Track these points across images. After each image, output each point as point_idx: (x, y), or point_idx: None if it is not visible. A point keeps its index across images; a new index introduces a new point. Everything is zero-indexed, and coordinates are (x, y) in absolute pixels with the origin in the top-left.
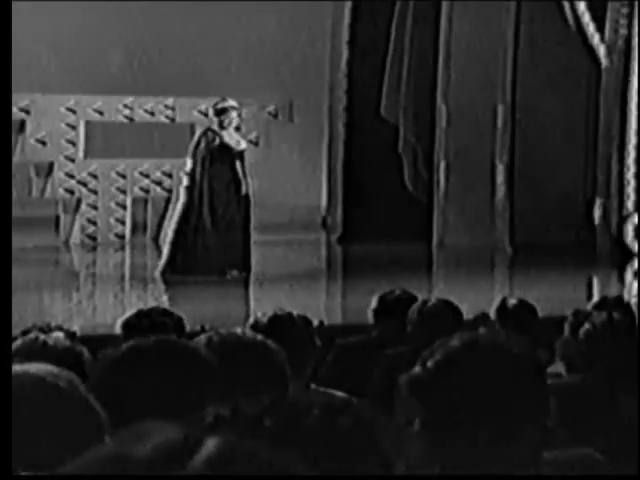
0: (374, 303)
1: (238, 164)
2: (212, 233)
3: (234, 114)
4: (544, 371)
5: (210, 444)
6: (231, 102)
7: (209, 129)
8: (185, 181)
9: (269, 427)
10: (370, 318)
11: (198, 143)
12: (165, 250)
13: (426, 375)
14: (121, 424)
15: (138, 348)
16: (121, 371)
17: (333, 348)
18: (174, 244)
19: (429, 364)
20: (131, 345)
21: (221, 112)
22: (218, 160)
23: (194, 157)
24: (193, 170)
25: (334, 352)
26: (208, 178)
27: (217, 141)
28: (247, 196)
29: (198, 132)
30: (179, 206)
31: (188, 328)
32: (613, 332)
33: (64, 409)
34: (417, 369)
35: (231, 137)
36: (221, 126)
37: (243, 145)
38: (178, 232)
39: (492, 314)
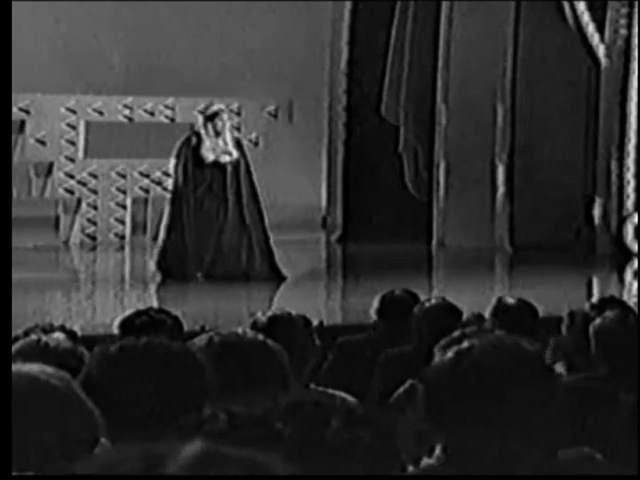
0: (376, 303)
1: (224, 174)
2: (189, 239)
3: (225, 116)
4: (554, 371)
5: (189, 449)
6: (220, 105)
7: (194, 133)
8: (170, 186)
9: (286, 436)
10: (370, 318)
11: (181, 148)
12: (155, 254)
13: (438, 375)
14: (107, 422)
15: (128, 348)
16: (109, 370)
17: (335, 347)
18: (164, 248)
19: (441, 365)
20: (121, 345)
21: (212, 117)
22: (200, 168)
23: (178, 158)
24: (176, 173)
25: (335, 351)
26: (192, 183)
27: (192, 146)
28: (256, 206)
29: (182, 138)
30: (166, 210)
31: (187, 328)
32: (624, 330)
33: (58, 408)
34: (430, 369)
35: (215, 144)
36: (215, 132)
37: (226, 157)
38: (167, 236)
39: (487, 314)
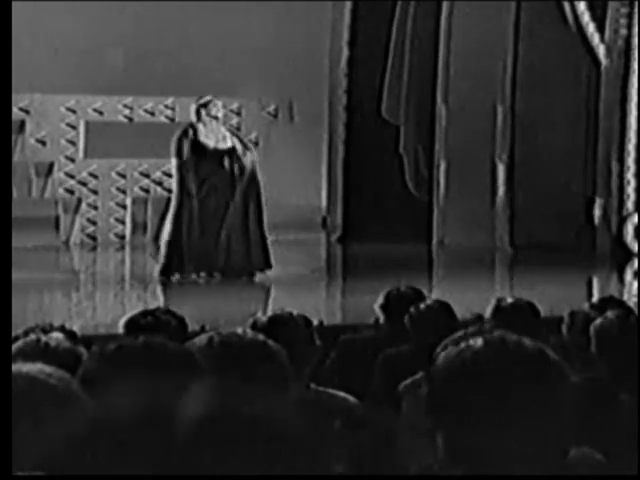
0: (381, 299)
1: (227, 162)
2: (197, 235)
3: (220, 103)
4: (564, 371)
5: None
6: (208, 97)
7: (190, 125)
8: (174, 181)
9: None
10: (370, 318)
11: (180, 141)
12: (161, 252)
13: (443, 375)
14: None
15: (125, 348)
16: (107, 369)
17: (337, 346)
18: (169, 245)
19: (446, 364)
20: (119, 344)
21: (206, 104)
22: (202, 158)
23: (179, 155)
24: (180, 168)
25: (338, 350)
26: (195, 176)
27: (190, 137)
28: (255, 196)
29: (177, 132)
30: (171, 207)
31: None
32: (624, 330)
33: (57, 408)
34: (434, 369)
35: (212, 132)
36: (210, 117)
37: (226, 143)
38: (172, 233)
39: (487, 314)
